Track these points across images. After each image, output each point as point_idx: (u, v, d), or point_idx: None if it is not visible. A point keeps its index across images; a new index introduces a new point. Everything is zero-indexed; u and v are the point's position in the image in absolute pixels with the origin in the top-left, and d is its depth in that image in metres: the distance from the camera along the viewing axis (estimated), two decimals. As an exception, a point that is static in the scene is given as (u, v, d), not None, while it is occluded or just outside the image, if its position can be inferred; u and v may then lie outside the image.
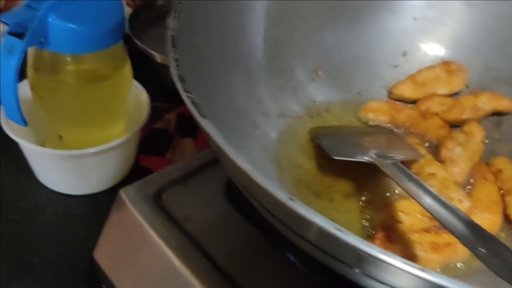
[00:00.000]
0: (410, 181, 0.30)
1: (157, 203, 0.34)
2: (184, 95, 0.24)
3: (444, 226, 0.25)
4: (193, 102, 0.24)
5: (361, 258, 0.20)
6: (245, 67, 0.37)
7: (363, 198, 0.35)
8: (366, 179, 0.36)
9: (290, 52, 0.41)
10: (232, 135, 0.34)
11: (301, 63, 0.42)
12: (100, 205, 0.45)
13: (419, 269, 0.18)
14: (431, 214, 0.26)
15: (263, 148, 0.36)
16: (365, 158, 0.33)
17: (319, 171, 0.36)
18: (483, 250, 0.23)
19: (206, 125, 0.23)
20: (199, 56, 0.32)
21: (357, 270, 0.21)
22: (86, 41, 0.39)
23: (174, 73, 0.25)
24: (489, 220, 0.34)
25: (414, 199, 0.28)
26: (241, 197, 0.35)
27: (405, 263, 0.19)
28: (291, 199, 0.20)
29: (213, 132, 0.22)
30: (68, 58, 0.40)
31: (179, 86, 0.24)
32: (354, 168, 0.36)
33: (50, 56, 0.40)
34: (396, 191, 0.35)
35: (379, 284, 0.22)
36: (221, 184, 0.36)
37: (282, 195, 0.20)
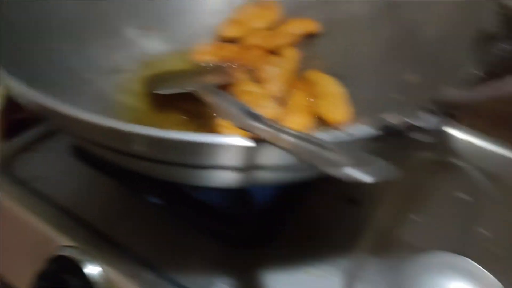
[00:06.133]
0: (222, 98, 0.35)
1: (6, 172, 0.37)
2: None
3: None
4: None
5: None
6: (70, 33, 0.41)
7: (194, 123, 0.40)
8: (195, 109, 0.41)
9: (115, 13, 0.45)
10: (65, 93, 0.38)
11: (128, 22, 0.46)
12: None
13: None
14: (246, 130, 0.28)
15: (98, 101, 0.40)
16: (186, 89, 0.38)
17: (154, 111, 0.41)
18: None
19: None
20: (15, 29, 0.35)
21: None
22: None
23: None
24: (300, 119, 0.40)
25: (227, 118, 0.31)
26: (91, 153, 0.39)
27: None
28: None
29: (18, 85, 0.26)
30: None
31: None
32: (184, 102, 0.41)
33: None
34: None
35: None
36: (70, 145, 0.39)
37: (97, 118, 0.24)
